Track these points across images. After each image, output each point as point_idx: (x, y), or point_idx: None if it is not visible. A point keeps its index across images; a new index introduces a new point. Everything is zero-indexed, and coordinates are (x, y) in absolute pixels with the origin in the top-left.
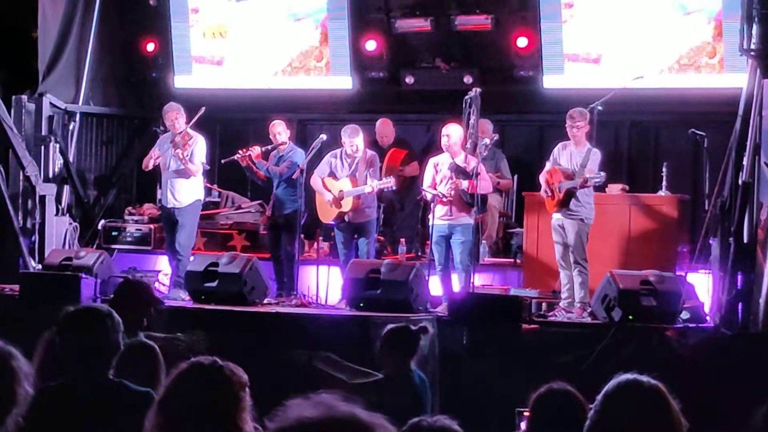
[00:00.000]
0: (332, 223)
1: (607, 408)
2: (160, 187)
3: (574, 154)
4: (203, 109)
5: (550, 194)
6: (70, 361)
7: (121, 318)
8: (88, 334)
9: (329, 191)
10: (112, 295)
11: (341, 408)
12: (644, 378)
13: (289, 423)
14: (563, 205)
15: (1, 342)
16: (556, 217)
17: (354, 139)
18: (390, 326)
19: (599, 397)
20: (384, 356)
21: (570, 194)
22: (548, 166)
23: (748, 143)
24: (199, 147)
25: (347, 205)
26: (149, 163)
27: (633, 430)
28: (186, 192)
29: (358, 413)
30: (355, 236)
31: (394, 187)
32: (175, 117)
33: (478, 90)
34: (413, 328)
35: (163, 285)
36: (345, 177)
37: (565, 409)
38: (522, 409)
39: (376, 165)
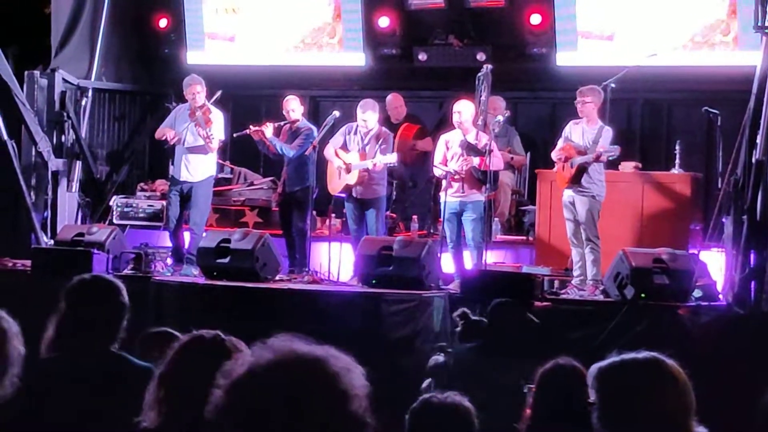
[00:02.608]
0: (342, 195)
1: (622, 384)
2: (173, 162)
3: (587, 131)
4: (220, 92)
5: (565, 164)
6: (74, 332)
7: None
8: (93, 305)
9: (340, 159)
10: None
11: (297, 349)
12: (663, 356)
13: (240, 373)
14: (575, 181)
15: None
16: (567, 193)
17: (364, 114)
18: None
19: (608, 372)
20: None
21: (582, 170)
22: (560, 143)
23: (762, 121)
24: (219, 123)
25: (353, 177)
26: (168, 136)
27: (648, 408)
28: (201, 167)
29: (316, 352)
30: (364, 211)
31: (395, 164)
32: (198, 90)
33: (489, 67)
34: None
35: (171, 260)
36: (355, 150)
37: (570, 385)
38: (530, 385)
39: (388, 142)
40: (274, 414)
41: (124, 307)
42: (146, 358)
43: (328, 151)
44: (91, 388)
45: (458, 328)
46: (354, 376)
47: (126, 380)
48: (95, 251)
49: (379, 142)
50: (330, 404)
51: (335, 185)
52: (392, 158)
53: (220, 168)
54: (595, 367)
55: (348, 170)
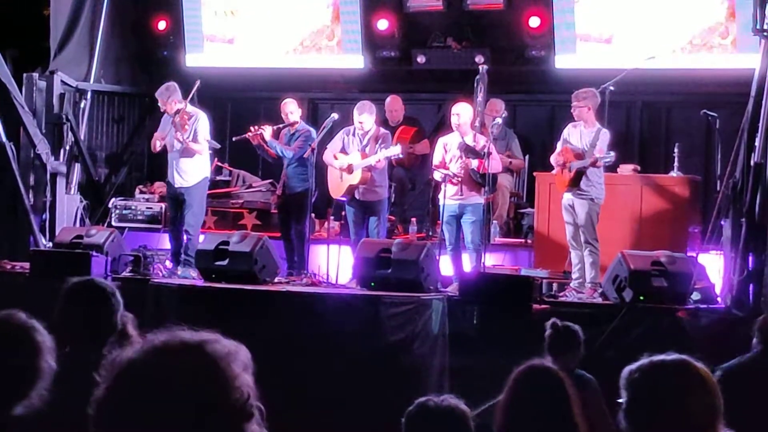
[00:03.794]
0: (344, 199)
1: (653, 386)
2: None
3: (584, 134)
4: (198, 82)
5: (563, 168)
6: (68, 334)
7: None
8: (86, 308)
9: (339, 161)
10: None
11: (177, 336)
12: (692, 359)
13: (118, 367)
14: (573, 184)
15: (24, 316)
16: (567, 196)
17: (360, 116)
18: None
19: (638, 374)
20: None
21: (580, 173)
22: (559, 146)
23: (761, 124)
24: (201, 124)
25: (356, 177)
26: (156, 145)
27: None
28: (192, 171)
29: (195, 338)
30: (366, 215)
31: (401, 155)
32: (164, 102)
33: (486, 68)
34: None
35: (171, 262)
36: (356, 151)
37: (544, 387)
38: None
39: (387, 142)
40: (148, 403)
41: (116, 310)
42: None
43: (327, 156)
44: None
45: (547, 340)
46: (236, 360)
47: None
48: (94, 253)
49: (379, 142)
50: (207, 390)
51: (337, 189)
52: (396, 150)
53: (218, 170)
54: (626, 370)
55: (350, 171)
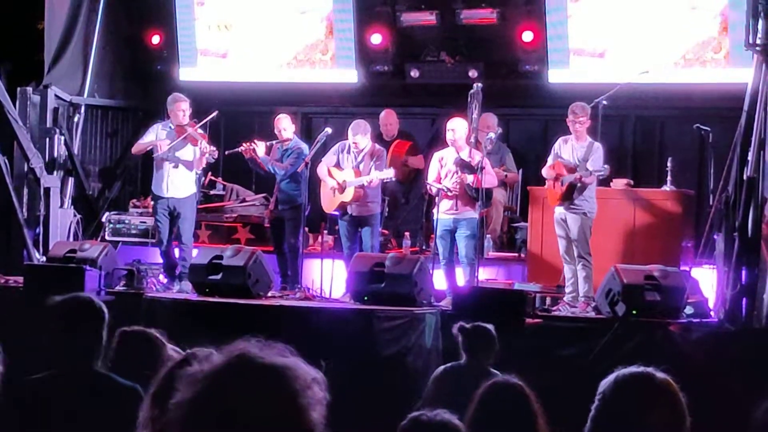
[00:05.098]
0: (335, 213)
1: (617, 397)
2: (153, 177)
3: (576, 148)
4: (215, 113)
5: (556, 182)
6: (59, 351)
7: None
8: (77, 325)
9: (333, 179)
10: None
11: (262, 357)
12: (656, 371)
13: (203, 376)
14: (566, 198)
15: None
16: (559, 210)
17: (355, 137)
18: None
19: (608, 385)
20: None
21: (572, 187)
22: (550, 160)
23: (753, 138)
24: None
25: (348, 195)
26: (160, 145)
27: (641, 422)
28: (186, 184)
29: (279, 362)
30: (359, 229)
31: (393, 179)
32: (184, 108)
33: (480, 85)
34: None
35: (165, 277)
36: (350, 168)
37: (509, 403)
38: None
39: (382, 159)
40: (225, 420)
41: (102, 323)
42: (123, 362)
43: (321, 171)
44: (76, 407)
45: (460, 344)
46: (314, 390)
47: (111, 399)
48: (87, 268)
49: (374, 159)
50: (281, 415)
51: (329, 204)
52: (389, 173)
53: (212, 184)
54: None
55: (342, 190)
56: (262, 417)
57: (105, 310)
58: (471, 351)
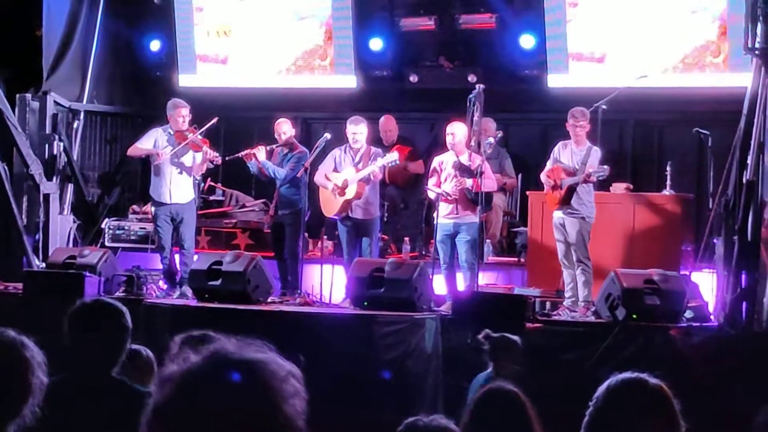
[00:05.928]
0: (336, 217)
1: (610, 404)
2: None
3: (575, 153)
4: (216, 119)
5: (554, 185)
6: (76, 355)
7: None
8: (97, 329)
9: (331, 182)
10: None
11: (235, 352)
12: (648, 377)
13: (178, 376)
14: (565, 202)
15: (13, 332)
16: (558, 215)
17: (357, 127)
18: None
19: (600, 392)
20: None
21: (572, 191)
22: (549, 165)
23: (753, 142)
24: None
25: (351, 192)
26: (161, 153)
27: (633, 428)
28: (187, 189)
29: (255, 356)
30: (359, 235)
31: (398, 162)
32: (185, 114)
33: (482, 86)
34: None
35: (165, 283)
36: (349, 166)
37: (504, 409)
38: None
39: (380, 155)
40: (201, 415)
41: (127, 330)
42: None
43: (319, 177)
44: (90, 412)
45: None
46: (290, 384)
47: (127, 406)
48: (87, 274)
49: (372, 157)
50: (258, 410)
51: (330, 208)
52: (393, 156)
53: (212, 190)
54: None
55: (342, 192)
56: (236, 413)
57: (128, 315)
58: (496, 360)
